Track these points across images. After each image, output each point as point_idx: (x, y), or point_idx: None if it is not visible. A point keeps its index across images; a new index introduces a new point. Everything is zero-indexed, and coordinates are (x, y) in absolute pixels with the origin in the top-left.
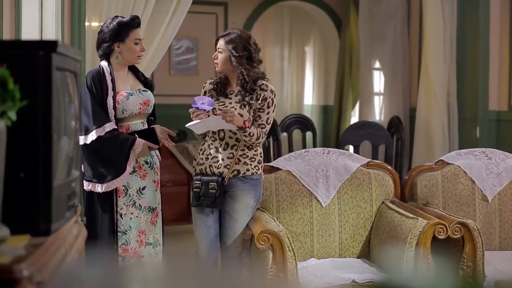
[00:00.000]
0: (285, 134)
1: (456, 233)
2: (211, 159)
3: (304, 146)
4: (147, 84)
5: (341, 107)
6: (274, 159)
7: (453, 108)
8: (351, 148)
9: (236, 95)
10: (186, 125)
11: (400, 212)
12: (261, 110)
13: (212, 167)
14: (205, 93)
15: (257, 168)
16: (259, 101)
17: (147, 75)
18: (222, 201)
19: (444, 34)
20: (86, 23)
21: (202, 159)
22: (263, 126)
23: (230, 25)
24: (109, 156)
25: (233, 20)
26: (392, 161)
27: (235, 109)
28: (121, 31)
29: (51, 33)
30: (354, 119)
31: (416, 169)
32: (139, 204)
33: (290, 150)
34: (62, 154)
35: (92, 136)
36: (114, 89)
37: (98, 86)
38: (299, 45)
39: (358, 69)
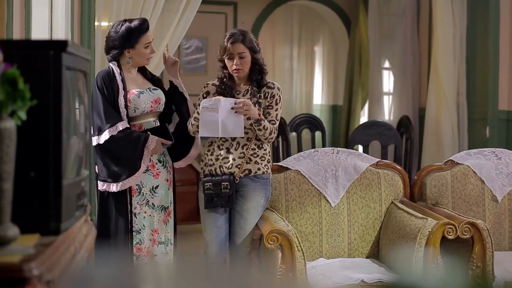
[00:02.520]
0: (294, 133)
1: (466, 233)
2: (222, 159)
3: (313, 146)
4: (155, 81)
5: (350, 107)
6: (283, 159)
7: (463, 107)
8: (360, 148)
9: (243, 95)
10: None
11: (409, 212)
12: (270, 107)
13: (223, 168)
14: (204, 95)
15: (267, 167)
16: (268, 99)
17: (157, 74)
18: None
19: (454, 33)
20: (96, 23)
21: (211, 160)
22: (274, 122)
23: (240, 25)
24: (123, 155)
25: (242, 19)
26: (401, 161)
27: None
28: (130, 38)
29: (61, 33)
30: (364, 118)
31: (426, 169)
32: (152, 203)
33: (299, 149)
34: (72, 153)
35: (105, 135)
36: (125, 88)
37: (109, 86)
38: (308, 45)
39: (367, 69)
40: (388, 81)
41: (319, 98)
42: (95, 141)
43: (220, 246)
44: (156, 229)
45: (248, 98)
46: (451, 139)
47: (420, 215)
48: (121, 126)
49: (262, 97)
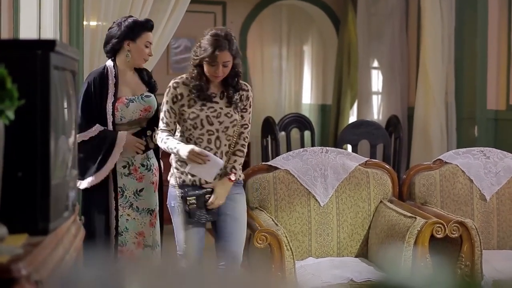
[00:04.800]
0: (283, 133)
1: (454, 232)
2: None
3: (302, 145)
4: (151, 87)
5: (339, 106)
6: (272, 158)
7: (451, 107)
8: (349, 147)
9: (221, 98)
10: (188, 170)
11: (398, 211)
12: (244, 110)
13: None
14: (176, 97)
15: (242, 172)
16: (243, 101)
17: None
18: (222, 205)
19: (442, 33)
20: (85, 22)
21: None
22: (246, 126)
23: (229, 25)
24: (91, 155)
25: (231, 19)
26: (390, 160)
27: (228, 112)
28: (134, 29)
29: (49, 32)
30: (353, 118)
31: (414, 168)
32: (137, 206)
33: (288, 149)
34: (60, 153)
35: (79, 138)
36: (115, 94)
37: (98, 90)
38: (297, 44)
39: (356, 68)
40: (377, 80)
41: (308, 98)
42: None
43: (199, 252)
44: (142, 232)
45: (227, 101)
46: (439, 138)
47: (409, 214)
48: (92, 133)
49: (239, 100)
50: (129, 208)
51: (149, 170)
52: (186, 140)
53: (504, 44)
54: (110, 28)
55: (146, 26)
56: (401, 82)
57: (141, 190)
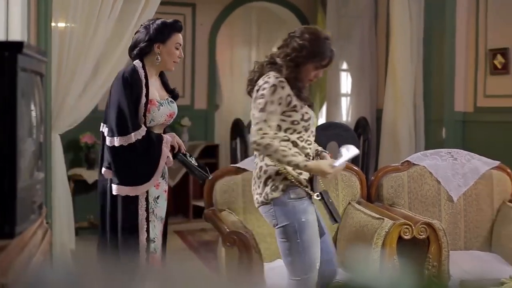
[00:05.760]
0: None
1: (422, 234)
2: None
3: None
4: (174, 94)
5: None
6: (241, 160)
7: (420, 109)
8: None
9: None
10: (337, 164)
11: (366, 212)
12: None
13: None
14: (286, 97)
15: None
16: None
17: (114, 77)
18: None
19: (411, 35)
20: (53, 24)
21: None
22: None
23: (198, 27)
24: (143, 159)
25: (201, 21)
26: (358, 162)
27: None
28: (164, 31)
29: (17, 34)
30: (321, 120)
31: (382, 170)
32: (156, 213)
33: None
34: (27, 156)
35: (130, 139)
36: (147, 95)
37: (135, 88)
38: (266, 46)
39: (325, 70)
40: (346, 82)
41: None
42: (116, 142)
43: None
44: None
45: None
46: (407, 140)
47: (377, 216)
48: (143, 131)
49: None
50: (152, 214)
51: (163, 178)
52: (293, 144)
53: (472, 46)
54: (137, 32)
55: (175, 27)
56: (370, 84)
57: (158, 198)
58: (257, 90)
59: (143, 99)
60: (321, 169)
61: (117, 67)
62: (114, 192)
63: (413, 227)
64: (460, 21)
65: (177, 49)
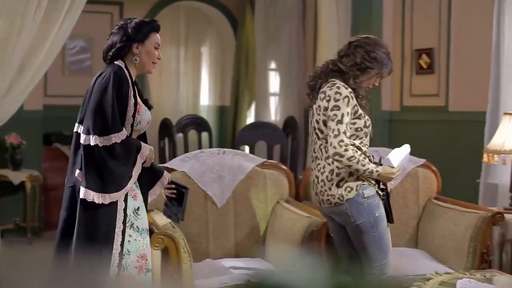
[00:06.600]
0: (180, 134)
1: None
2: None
3: (200, 147)
4: (147, 104)
5: (237, 108)
6: (169, 160)
7: None
8: (246, 148)
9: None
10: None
11: (294, 211)
12: None
13: None
14: (354, 106)
15: None
16: None
17: (40, 76)
18: None
19: (339, 34)
20: None
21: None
22: None
23: None
24: (118, 164)
25: None
26: (287, 161)
27: None
28: (142, 30)
29: None
30: (250, 119)
31: (311, 169)
32: (137, 226)
33: (186, 151)
34: None
35: (108, 140)
36: (135, 95)
37: (124, 87)
38: (195, 46)
39: (254, 70)
40: (274, 82)
41: (206, 99)
42: (92, 141)
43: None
44: (144, 255)
45: None
46: None
47: (305, 214)
48: (123, 135)
49: None
50: (130, 228)
51: (138, 188)
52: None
53: (398, 45)
54: (111, 34)
55: (153, 26)
56: (298, 84)
57: (138, 209)
58: (328, 101)
59: (132, 100)
60: (389, 175)
61: (42, 66)
62: (81, 196)
63: None
64: (386, 21)
65: (156, 49)
